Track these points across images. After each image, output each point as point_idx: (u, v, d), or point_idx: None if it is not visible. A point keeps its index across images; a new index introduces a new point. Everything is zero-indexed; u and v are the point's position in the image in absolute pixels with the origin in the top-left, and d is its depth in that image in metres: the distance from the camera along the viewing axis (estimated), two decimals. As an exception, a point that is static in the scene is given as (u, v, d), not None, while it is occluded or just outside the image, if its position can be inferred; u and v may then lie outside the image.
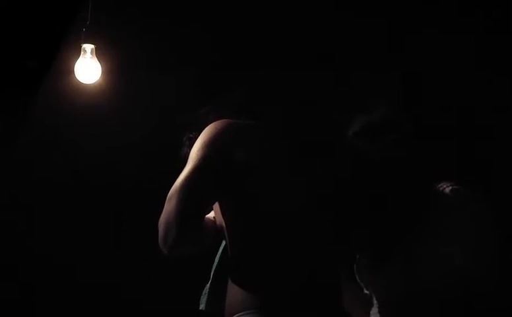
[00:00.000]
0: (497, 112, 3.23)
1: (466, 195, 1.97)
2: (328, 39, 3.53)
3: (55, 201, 3.86)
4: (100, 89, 3.60)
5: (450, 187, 1.97)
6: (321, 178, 1.90)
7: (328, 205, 1.90)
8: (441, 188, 1.98)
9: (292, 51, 3.59)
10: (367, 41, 3.51)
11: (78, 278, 3.83)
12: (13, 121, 3.69)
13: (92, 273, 3.82)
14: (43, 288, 3.83)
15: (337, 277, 1.91)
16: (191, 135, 1.97)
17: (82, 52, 3.48)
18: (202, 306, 2.01)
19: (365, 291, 2.05)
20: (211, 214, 1.96)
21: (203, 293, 2.02)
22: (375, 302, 2.03)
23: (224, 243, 2.00)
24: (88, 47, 3.48)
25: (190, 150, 1.85)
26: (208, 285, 2.02)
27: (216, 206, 1.90)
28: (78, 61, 3.49)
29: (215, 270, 2.01)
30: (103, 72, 3.53)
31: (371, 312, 2.04)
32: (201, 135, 1.85)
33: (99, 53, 3.50)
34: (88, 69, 3.50)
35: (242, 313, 1.79)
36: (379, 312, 2.02)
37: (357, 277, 2.06)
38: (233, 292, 1.83)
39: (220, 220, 1.90)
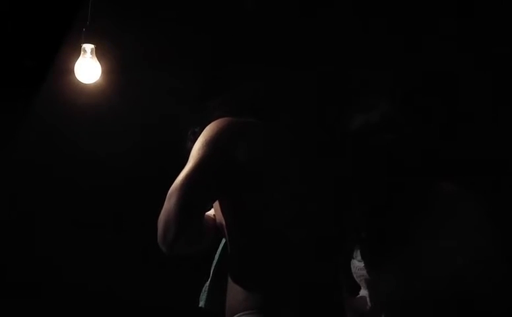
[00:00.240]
0: (498, 112, 3.23)
1: (466, 195, 1.97)
2: (330, 39, 3.53)
3: (54, 200, 3.86)
4: (100, 89, 3.59)
5: (450, 187, 1.97)
6: (322, 178, 1.90)
7: (328, 204, 1.90)
8: (440, 188, 1.98)
9: (299, 50, 3.59)
10: (367, 41, 3.51)
11: (78, 278, 3.83)
12: (13, 121, 3.70)
13: (92, 273, 3.82)
14: (43, 288, 3.83)
15: (337, 278, 1.91)
16: (196, 130, 1.96)
17: (82, 52, 3.48)
18: (201, 303, 2.01)
19: (364, 291, 2.06)
20: (211, 212, 1.96)
21: (203, 290, 2.02)
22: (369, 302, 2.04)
23: (224, 241, 1.99)
24: (88, 47, 3.47)
25: (194, 144, 1.85)
26: (207, 283, 2.02)
27: (216, 204, 1.90)
28: (78, 61, 3.49)
29: (215, 267, 2.01)
30: (103, 72, 3.52)
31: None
32: (203, 133, 1.84)
33: (99, 53, 3.50)
34: (88, 68, 3.49)
35: (242, 313, 1.80)
36: (379, 312, 2.02)
37: (354, 276, 2.06)
38: (234, 292, 1.83)
39: (220, 218, 1.89)
